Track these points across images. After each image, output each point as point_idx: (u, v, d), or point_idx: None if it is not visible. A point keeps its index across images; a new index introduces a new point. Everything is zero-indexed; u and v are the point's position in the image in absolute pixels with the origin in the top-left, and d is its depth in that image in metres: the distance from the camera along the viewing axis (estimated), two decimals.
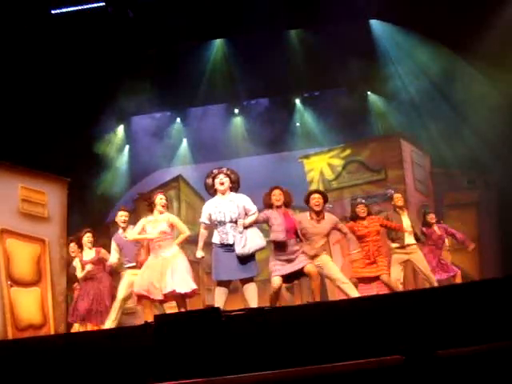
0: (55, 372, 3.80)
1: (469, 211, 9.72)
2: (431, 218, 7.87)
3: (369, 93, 11.47)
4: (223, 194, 5.69)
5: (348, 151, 10.59)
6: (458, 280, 7.58)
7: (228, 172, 5.78)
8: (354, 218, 6.91)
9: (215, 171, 5.80)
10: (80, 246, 7.46)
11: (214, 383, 3.21)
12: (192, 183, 11.07)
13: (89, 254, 7.27)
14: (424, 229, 7.80)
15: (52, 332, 7.82)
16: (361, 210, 6.87)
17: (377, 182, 10.22)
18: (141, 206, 10.78)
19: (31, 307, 8.01)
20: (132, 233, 6.27)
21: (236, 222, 5.56)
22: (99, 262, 7.20)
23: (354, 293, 5.96)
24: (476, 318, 3.59)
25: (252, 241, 5.53)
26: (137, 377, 3.53)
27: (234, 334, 3.72)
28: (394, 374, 3.07)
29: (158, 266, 5.80)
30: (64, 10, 9.18)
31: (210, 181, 5.81)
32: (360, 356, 3.22)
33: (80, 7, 9.18)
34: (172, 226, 6.06)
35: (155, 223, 6.02)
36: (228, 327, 3.72)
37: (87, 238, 7.30)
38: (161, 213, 6.08)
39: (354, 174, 10.44)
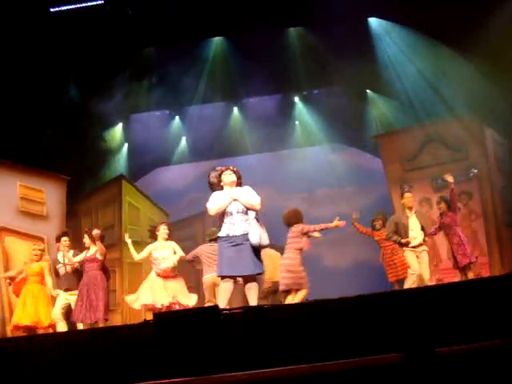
0: (54, 370, 3.80)
1: None
2: (441, 207, 7.48)
3: (368, 91, 11.46)
4: (231, 186, 5.75)
5: (427, 130, 10.11)
6: (471, 274, 7.20)
7: (234, 169, 5.87)
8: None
9: (221, 168, 5.88)
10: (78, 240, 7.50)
11: (213, 381, 3.21)
12: (191, 181, 11.07)
13: (92, 249, 7.27)
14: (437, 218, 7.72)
15: (51, 330, 7.82)
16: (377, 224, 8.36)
17: (458, 161, 9.78)
18: None
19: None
20: (139, 256, 7.38)
21: (244, 213, 5.58)
22: (95, 259, 7.18)
23: None
24: (476, 316, 3.59)
25: (264, 235, 5.54)
26: (136, 375, 3.53)
27: (233, 332, 3.72)
28: (393, 372, 3.07)
29: (163, 288, 7.04)
30: (63, 7, 9.17)
31: (216, 177, 5.86)
32: (359, 354, 3.22)
33: (79, 5, 9.18)
34: (174, 252, 7.29)
35: (163, 249, 7.25)
36: (227, 325, 3.72)
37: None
38: (165, 239, 7.35)
39: (434, 153, 10.00)
